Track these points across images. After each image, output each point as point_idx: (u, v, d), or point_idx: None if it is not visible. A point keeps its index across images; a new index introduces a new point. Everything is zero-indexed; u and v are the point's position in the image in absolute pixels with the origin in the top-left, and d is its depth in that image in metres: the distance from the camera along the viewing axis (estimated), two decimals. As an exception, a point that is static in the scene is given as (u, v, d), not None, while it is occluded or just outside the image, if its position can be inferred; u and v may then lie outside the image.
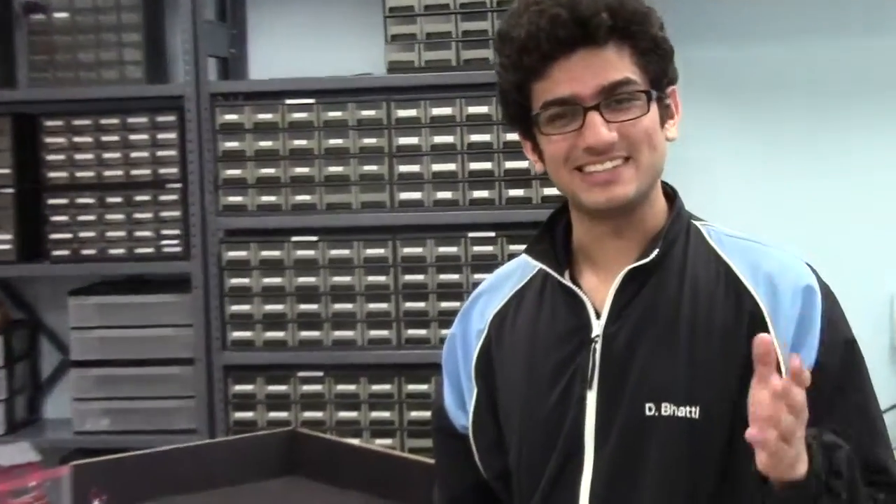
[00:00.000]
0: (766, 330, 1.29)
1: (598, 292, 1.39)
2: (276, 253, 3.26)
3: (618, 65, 1.32)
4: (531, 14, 1.32)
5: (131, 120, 3.35)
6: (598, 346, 1.37)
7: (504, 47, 1.36)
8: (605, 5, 1.30)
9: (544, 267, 1.41)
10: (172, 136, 3.35)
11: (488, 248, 3.17)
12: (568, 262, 1.43)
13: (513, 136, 3.05)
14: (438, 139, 3.19)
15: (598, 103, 1.31)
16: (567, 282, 1.40)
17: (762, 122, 3.44)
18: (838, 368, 1.33)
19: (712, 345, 1.33)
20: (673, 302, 1.36)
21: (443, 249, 3.20)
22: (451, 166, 3.18)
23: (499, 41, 1.38)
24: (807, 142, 3.41)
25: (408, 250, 3.22)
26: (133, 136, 3.36)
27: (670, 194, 1.45)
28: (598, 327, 1.38)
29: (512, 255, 2.88)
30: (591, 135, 1.31)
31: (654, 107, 1.35)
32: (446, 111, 3.19)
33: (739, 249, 1.40)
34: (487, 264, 3.03)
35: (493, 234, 3.15)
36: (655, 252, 1.36)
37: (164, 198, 3.38)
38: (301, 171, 3.24)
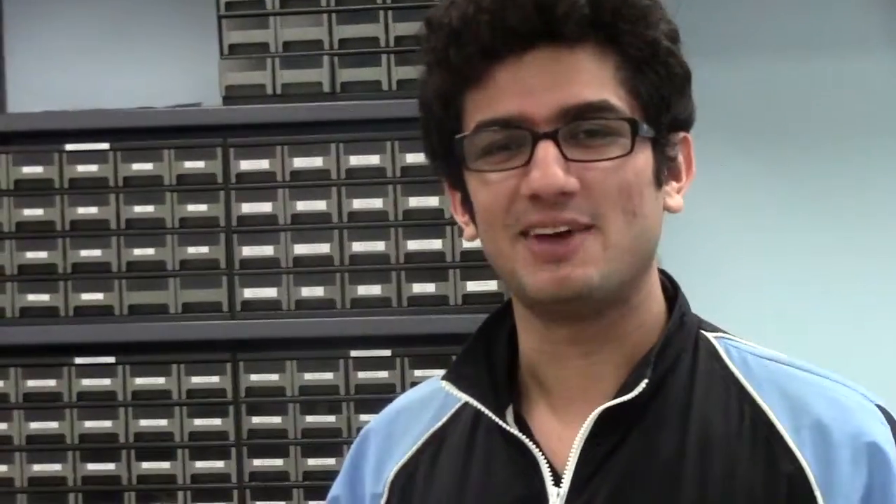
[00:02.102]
0: None
1: (558, 442, 1.20)
2: (49, 383, 2.77)
3: (593, 78, 1.15)
4: None
5: None
6: None
7: (430, 38, 1.19)
8: None
9: (475, 403, 1.21)
10: None
11: (381, 375, 2.70)
12: (513, 393, 1.24)
13: (417, 202, 2.68)
14: (304, 206, 2.70)
15: (557, 129, 1.14)
16: (509, 427, 1.20)
17: (772, 164, 3.13)
18: None
19: None
20: (672, 460, 1.18)
21: (311, 377, 2.69)
22: (323, 248, 2.69)
23: (426, 30, 1.21)
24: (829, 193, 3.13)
25: (257, 378, 2.71)
26: None
27: (668, 289, 1.25)
28: (557, 498, 1.18)
29: (417, 384, 2.48)
30: (538, 175, 1.12)
31: (643, 148, 1.16)
32: (316, 163, 2.71)
33: (773, 379, 1.22)
34: (380, 399, 2.62)
35: (388, 352, 2.70)
36: (643, 384, 1.17)
37: None
38: (90, 254, 2.76)
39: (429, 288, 2.66)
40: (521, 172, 1.16)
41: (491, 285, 2.61)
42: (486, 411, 1.23)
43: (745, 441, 1.21)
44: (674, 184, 1.23)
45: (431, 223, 2.61)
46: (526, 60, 1.15)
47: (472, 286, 2.63)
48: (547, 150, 1.15)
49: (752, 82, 3.12)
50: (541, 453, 1.20)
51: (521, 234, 1.18)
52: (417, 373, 2.66)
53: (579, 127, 1.16)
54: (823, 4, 3.12)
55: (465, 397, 1.25)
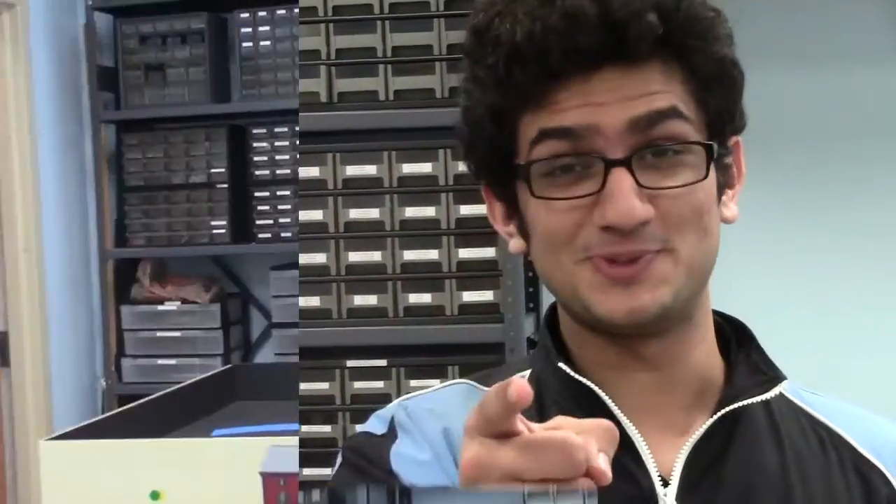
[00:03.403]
0: None
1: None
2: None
3: (661, 91, 1.06)
4: (531, 2, 1.04)
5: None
6: None
7: (480, 50, 1.08)
8: (653, 2, 1.04)
9: (592, 386, 1.11)
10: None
11: (377, 385, 2.66)
12: None
13: (414, 213, 2.62)
14: (306, 215, 2.71)
15: (630, 156, 1.04)
16: (622, 417, 1.10)
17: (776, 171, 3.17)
18: None
19: None
20: (779, 474, 1.12)
21: (307, 386, 2.67)
22: (319, 258, 2.67)
23: (472, 39, 1.10)
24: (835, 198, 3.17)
25: (252, 388, 2.87)
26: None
27: (721, 325, 1.18)
28: (665, 498, 1.10)
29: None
30: (614, 208, 1.03)
31: (713, 169, 1.07)
32: (312, 172, 2.68)
33: (835, 411, 1.19)
34: (375, 409, 2.62)
35: (383, 362, 2.67)
36: (785, 383, 1.13)
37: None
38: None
39: (425, 298, 2.59)
40: (592, 201, 1.08)
41: (487, 296, 2.54)
42: (603, 396, 1.15)
43: (833, 463, 1.17)
44: (728, 192, 1.15)
45: (427, 234, 2.53)
46: (593, 80, 1.08)
47: (468, 297, 2.56)
48: (623, 180, 1.07)
49: (765, 92, 3.07)
50: (648, 451, 1.13)
51: (587, 259, 1.10)
52: (413, 382, 2.60)
53: (650, 148, 1.08)
54: (833, 19, 3.14)
55: (582, 380, 1.16)
